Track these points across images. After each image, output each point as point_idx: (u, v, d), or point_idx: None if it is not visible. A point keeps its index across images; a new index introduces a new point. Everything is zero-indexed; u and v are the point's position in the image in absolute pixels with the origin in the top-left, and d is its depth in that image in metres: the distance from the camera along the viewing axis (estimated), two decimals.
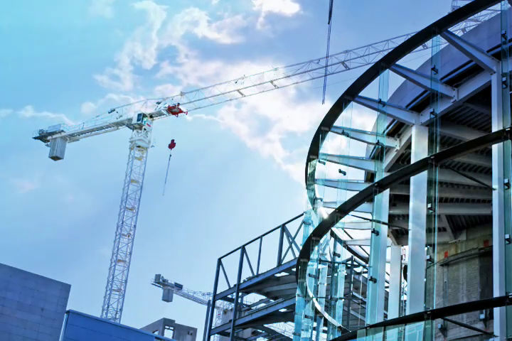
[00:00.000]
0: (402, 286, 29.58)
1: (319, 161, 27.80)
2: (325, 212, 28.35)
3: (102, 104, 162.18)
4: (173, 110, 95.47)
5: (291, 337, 34.44)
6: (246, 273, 48.90)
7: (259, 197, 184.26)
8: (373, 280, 22.99)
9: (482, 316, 25.35)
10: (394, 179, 22.91)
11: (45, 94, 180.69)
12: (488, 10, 42.93)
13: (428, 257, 23.47)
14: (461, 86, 23.52)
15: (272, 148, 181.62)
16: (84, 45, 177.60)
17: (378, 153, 26.13)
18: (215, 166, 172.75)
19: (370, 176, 28.97)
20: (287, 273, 46.15)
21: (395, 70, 23.87)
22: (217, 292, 50.96)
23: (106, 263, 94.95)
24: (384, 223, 24.18)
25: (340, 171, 26.74)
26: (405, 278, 27.93)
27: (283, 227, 45.43)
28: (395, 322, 21.97)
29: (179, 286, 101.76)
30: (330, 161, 27.53)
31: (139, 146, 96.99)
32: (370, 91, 25.08)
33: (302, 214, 34.51)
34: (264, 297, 52.16)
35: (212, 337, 61.50)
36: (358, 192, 24.07)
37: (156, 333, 71.69)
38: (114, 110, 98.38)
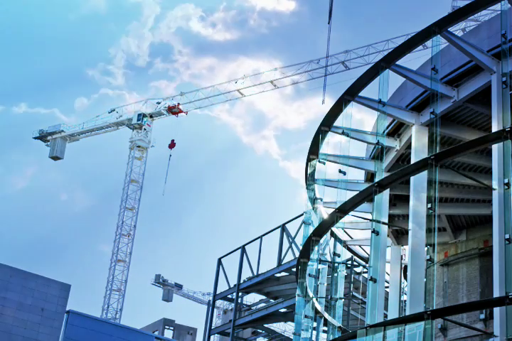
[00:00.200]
0: (402, 286, 29.59)
1: (319, 161, 27.80)
2: (325, 212, 28.34)
3: (95, 100, 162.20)
4: (173, 110, 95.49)
5: (291, 337, 34.45)
6: (246, 273, 48.97)
7: (258, 195, 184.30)
8: (373, 280, 22.99)
9: (482, 316, 25.35)
10: (394, 179, 22.91)
11: (37, 90, 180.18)
12: (488, 10, 42.93)
13: (428, 257, 23.49)
14: (461, 86, 23.52)
15: (268, 144, 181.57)
16: (77, 39, 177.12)
17: (378, 153, 26.12)
18: (211, 162, 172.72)
19: (370, 176, 28.97)
20: (287, 273, 46.16)
21: (395, 70, 23.87)
22: (217, 292, 50.98)
23: (106, 263, 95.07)
24: (384, 223, 24.17)
25: (340, 171, 26.75)
26: (405, 278, 27.93)
27: (283, 227, 45.44)
28: (395, 322, 21.97)
29: (179, 286, 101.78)
30: (330, 161, 27.53)
31: (139, 146, 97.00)
32: (370, 91, 25.12)
33: (302, 214, 34.53)
34: (264, 297, 52.17)
35: (212, 337, 61.52)
36: (358, 192, 24.07)
37: (156, 333, 71.70)
38: (114, 110, 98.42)
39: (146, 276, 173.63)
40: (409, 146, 25.58)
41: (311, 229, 28.26)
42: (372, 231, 23.21)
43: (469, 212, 28.27)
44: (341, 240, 30.35)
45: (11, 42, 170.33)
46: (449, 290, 28.09)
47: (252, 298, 57.27)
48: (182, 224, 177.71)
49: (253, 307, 53.97)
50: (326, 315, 29.00)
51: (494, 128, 20.87)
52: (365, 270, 41.64)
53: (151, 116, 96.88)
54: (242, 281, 48.51)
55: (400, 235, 30.05)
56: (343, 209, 24.71)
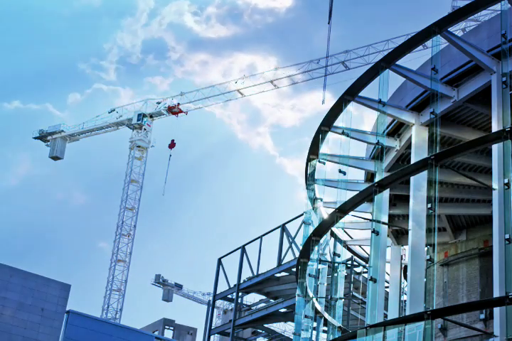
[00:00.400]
0: (402, 286, 29.59)
1: (319, 161, 27.80)
2: (325, 212, 28.34)
3: (89, 95, 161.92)
4: (173, 110, 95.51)
5: (291, 337, 34.46)
6: (246, 273, 48.98)
7: (257, 193, 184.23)
8: (373, 280, 22.99)
9: (482, 316, 25.35)
10: (394, 179, 22.91)
11: (30, 85, 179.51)
12: (488, 10, 42.96)
13: (428, 257, 23.48)
14: (461, 86, 23.52)
15: (263, 141, 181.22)
16: (71, 34, 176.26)
17: (378, 153, 26.12)
18: (207, 159, 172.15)
19: (370, 176, 28.97)
20: (287, 273, 46.17)
21: (395, 70, 23.87)
22: (217, 292, 50.99)
23: (106, 263, 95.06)
24: (384, 223, 24.17)
25: (340, 171, 26.74)
26: (405, 278, 27.94)
27: (283, 227, 45.44)
28: (395, 322, 21.97)
29: (179, 286, 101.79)
30: (330, 161, 27.53)
31: (139, 146, 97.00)
32: (370, 91, 25.12)
33: (302, 214, 34.52)
34: (264, 297, 52.16)
35: (212, 337, 61.52)
36: (358, 192, 24.07)
37: (156, 333, 71.70)
38: (114, 110, 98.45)
39: (146, 276, 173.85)
40: (409, 146, 25.58)
41: (311, 229, 28.26)
42: (372, 231, 23.21)
43: (469, 212, 28.26)
44: (341, 240, 30.34)
45: (2, 37, 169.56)
46: (449, 290, 28.09)
47: (252, 298, 57.34)
48: (182, 224, 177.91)
49: (253, 307, 53.96)
50: (326, 315, 28.99)
51: (494, 128, 20.87)
52: (365, 270, 41.65)
53: (151, 116, 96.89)
54: (242, 281, 48.51)
55: (400, 235, 30.05)
56: (343, 209, 24.70)
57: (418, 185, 23.83)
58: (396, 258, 29.36)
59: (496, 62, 21.95)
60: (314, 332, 32.54)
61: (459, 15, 22.40)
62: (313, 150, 27.75)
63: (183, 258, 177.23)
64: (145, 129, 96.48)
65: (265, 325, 52.93)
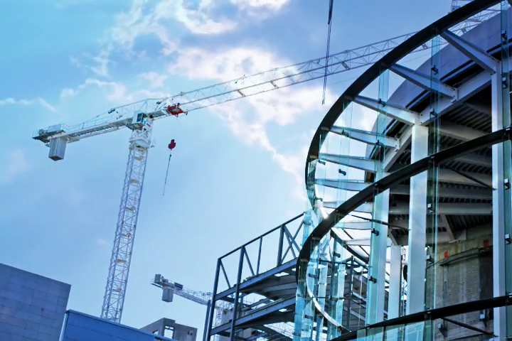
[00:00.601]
0: (402, 286, 29.59)
1: (319, 161, 27.80)
2: (325, 212, 28.35)
3: (82, 90, 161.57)
4: (173, 110, 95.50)
5: (291, 337, 34.45)
6: (246, 273, 48.97)
7: (255, 191, 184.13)
8: (373, 280, 22.99)
9: (482, 316, 25.35)
10: (394, 179, 22.91)
11: (22, 79, 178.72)
12: (488, 10, 42.95)
13: (428, 257, 23.48)
14: (461, 86, 23.53)
15: (259, 138, 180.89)
16: (63, 28, 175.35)
17: (378, 153, 26.12)
18: (202, 155, 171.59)
19: (370, 176, 28.98)
20: (287, 273, 46.16)
21: (395, 70, 23.88)
22: (217, 292, 50.97)
23: (106, 263, 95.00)
24: (384, 223, 24.18)
25: (340, 171, 26.74)
26: (405, 278, 27.93)
27: (283, 227, 45.44)
28: (395, 322, 21.98)
29: (179, 286, 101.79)
30: (330, 161, 27.53)
31: (139, 146, 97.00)
32: (370, 91, 25.12)
33: (302, 214, 34.53)
34: (264, 297, 52.16)
35: (212, 337, 61.52)
36: (358, 192, 24.07)
37: (156, 333, 71.69)
38: (114, 110, 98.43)
39: (146, 276, 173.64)
40: (409, 146, 25.58)
41: (311, 229, 28.28)
42: (372, 231, 23.21)
43: (469, 212, 28.26)
44: (341, 240, 30.34)
45: None
46: (449, 290, 28.09)
47: (252, 298, 57.33)
48: (182, 224, 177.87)
49: (253, 307, 53.96)
50: (326, 315, 29.00)
51: (494, 128, 20.88)
52: (365, 270, 41.65)
53: (151, 116, 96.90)
54: (242, 281, 48.50)
55: (400, 235, 30.05)
56: (343, 209, 24.70)
57: (418, 185, 23.83)
58: (396, 258, 29.36)
59: (495, 62, 21.95)
60: (314, 332, 32.55)
61: (459, 15, 22.40)
62: (313, 150, 27.75)
63: (183, 258, 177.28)
64: (145, 129, 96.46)
65: (265, 325, 52.92)
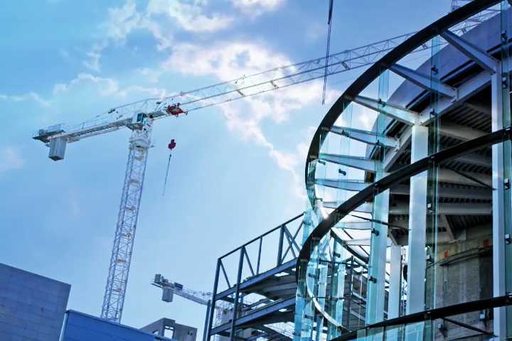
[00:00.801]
0: (402, 286, 29.59)
1: (319, 161, 27.80)
2: (325, 212, 28.35)
3: (75, 85, 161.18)
4: (173, 110, 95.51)
5: (291, 337, 34.46)
6: (246, 273, 48.97)
7: (255, 190, 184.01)
8: (373, 280, 22.99)
9: (482, 316, 25.35)
10: (394, 179, 22.91)
11: (13, 75, 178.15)
12: (488, 10, 42.97)
13: (428, 257, 23.44)
14: (461, 86, 23.52)
15: (255, 135, 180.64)
16: (56, 22, 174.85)
17: (378, 153, 26.13)
18: (197, 151, 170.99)
19: (370, 176, 28.97)
20: (287, 273, 46.17)
21: (395, 70, 23.87)
22: (217, 292, 50.98)
23: (106, 263, 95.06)
24: (384, 223, 24.18)
25: (340, 171, 26.74)
26: (405, 278, 27.93)
27: (283, 227, 45.45)
28: (395, 322, 21.98)
29: (179, 286, 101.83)
30: (330, 161, 27.53)
31: (139, 146, 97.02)
32: (370, 91, 25.12)
33: (302, 214, 34.53)
34: (264, 297, 52.17)
35: (212, 337, 61.51)
36: (358, 192, 24.07)
37: (156, 333, 71.70)
38: (114, 110, 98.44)
39: (146, 276, 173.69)
40: (409, 146, 25.58)
41: (311, 229, 28.27)
42: (372, 231, 23.21)
43: (469, 212, 28.26)
44: (341, 240, 30.35)
45: None
46: (449, 290, 28.09)
47: (252, 298, 57.35)
48: (182, 224, 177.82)
49: (253, 307, 53.97)
50: (326, 315, 29.00)
51: (494, 128, 20.87)
52: (365, 270, 41.65)
53: (151, 116, 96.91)
54: (242, 281, 48.51)
55: (400, 235, 30.05)
56: (343, 209, 24.70)
57: (418, 185, 23.83)
58: (396, 258, 29.37)
59: (495, 62, 21.95)
60: (314, 332, 32.54)
61: (459, 15, 22.40)
62: (313, 150, 27.75)
63: (183, 258, 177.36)
64: (145, 129, 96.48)
65: (265, 325, 52.94)
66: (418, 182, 23.79)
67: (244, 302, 55.04)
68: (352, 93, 24.96)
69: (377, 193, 22.92)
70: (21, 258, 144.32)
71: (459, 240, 29.00)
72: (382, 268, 24.00)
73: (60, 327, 42.21)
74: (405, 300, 26.38)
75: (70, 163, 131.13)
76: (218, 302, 69.27)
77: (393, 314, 26.07)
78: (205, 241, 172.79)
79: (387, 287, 28.55)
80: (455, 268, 28.29)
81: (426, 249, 24.07)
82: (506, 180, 19.01)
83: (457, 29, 61.48)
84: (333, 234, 29.67)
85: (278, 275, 46.89)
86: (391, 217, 28.83)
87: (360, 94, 25.01)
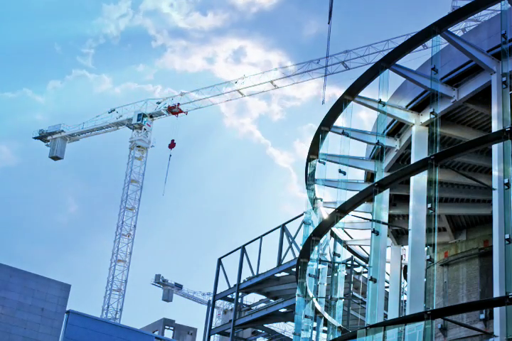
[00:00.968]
0: (402, 286, 29.59)
1: (319, 161, 27.80)
2: (325, 212, 28.35)
3: (69, 81, 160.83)
4: (173, 110, 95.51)
5: (291, 337, 34.45)
6: (246, 273, 48.96)
7: (253, 189, 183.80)
8: (373, 280, 22.99)
9: (482, 316, 25.35)
10: (394, 179, 22.91)
11: (5, 71, 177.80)
12: (488, 10, 42.93)
13: (428, 257, 23.45)
14: (461, 86, 23.53)
15: (252, 132, 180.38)
16: (48, 16, 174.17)
17: (378, 153, 26.14)
18: (192, 146, 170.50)
19: (370, 176, 28.98)
20: (287, 273, 46.15)
21: (395, 70, 23.87)
22: (217, 292, 50.97)
23: (106, 263, 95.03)
24: (384, 223, 24.18)
25: (340, 171, 26.75)
26: (405, 278, 27.93)
27: (283, 227, 45.44)
28: (395, 322, 21.99)
29: (179, 286, 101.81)
30: (330, 161, 27.53)
31: (139, 146, 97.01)
32: (370, 91, 25.12)
33: (302, 214, 34.52)
34: (264, 297, 52.16)
35: (212, 337, 61.45)
36: (358, 192, 24.08)
37: (156, 333, 71.71)
38: (114, 110, 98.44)
39: (146, 276, 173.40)
40: (409, 146, 25.58)
41: (311, 229, 28.26)
42: (372, 231, 23.21)
43: (469, 212, 28.27)
44: (341, 240, 30.36)
45: None
46: (449, 290, 28.09)
47: (252, 298, 57.34)
48: (182, 224, 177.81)
49: (253, 307, 53.96)
50: (326, 315, 29.00)
51: (494, 128, 20.88)
52: (365, 270, 41.65)
53: (151, 116, 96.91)
54: (242, 281, 48.50)
55: (400, 235, 30.06)
56: (343, 209, 24.70)
57: (418, 185, 23.83)
58: (396, 258, 29.37)
59: (496, 62, 21.95)
60: (314, 332, 32.54)
61: (459, 15, 22.40)
62: (313, 150, 27.75)
63: (183, 258, 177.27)
64: (145, 129, 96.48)
65: (265, 325, 52.91)
66: (418, 182, 23.79)
67: (244, 302, 55.04)
68: (352, 93, 24.96)
69: (377, 193, 22.92)
70: (21, 258, 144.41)
71: (459, 240, 29.00)
72: (382, 268, 24.00)
73: (60, 327, 42.22)
74: (405, 300, 26.38)
75: (70, 163, 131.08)
76: (218, 302, 69.26)
77: (393, 314, 26.08)
78: (205, 241, 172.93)
79: (387, 287, 28.55)
80: (455, 268, 28.29)
81: (426, 249, 24.08)
82: (506, 180, 19.01)
83: (457, 29, 61.48)
84: (333, 234, 29.67)
85: (278, 275, 46.88)
86: (391, 217, 28.83)
87: (360, 94, 25.01)
